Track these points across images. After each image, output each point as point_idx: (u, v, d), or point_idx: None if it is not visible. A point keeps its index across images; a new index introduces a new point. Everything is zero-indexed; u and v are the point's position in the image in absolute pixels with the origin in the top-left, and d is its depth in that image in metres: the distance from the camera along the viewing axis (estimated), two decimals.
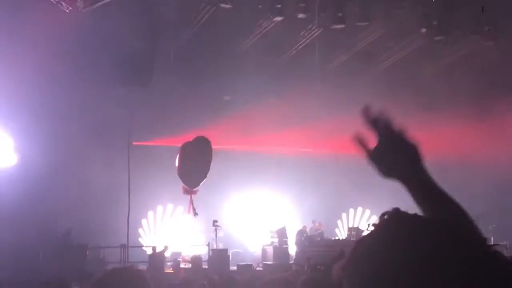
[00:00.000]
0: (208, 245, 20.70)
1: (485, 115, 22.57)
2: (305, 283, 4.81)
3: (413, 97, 22.84)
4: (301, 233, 22.22)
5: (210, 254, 20.17)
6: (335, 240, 23.65)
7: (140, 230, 22.95)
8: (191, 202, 18.47)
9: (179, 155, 18.47)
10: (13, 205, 18.36)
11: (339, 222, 26.18)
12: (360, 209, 26.11)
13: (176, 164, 18.43)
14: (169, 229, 23.15)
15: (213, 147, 19.13)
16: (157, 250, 18.87)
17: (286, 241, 21.15)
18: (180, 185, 18.46)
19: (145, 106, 21.02)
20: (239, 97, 22.43)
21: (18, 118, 19.28)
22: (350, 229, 23.60)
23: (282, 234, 21.05)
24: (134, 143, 21.68)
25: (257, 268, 19.51)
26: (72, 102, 19.40)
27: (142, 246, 21.99)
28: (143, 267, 16.36)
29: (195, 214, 18.46)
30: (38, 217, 18.96)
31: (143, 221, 23.13)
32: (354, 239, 20.07)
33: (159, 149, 21.86)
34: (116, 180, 20.25)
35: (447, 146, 23.75)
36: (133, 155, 21.40)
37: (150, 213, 23.44)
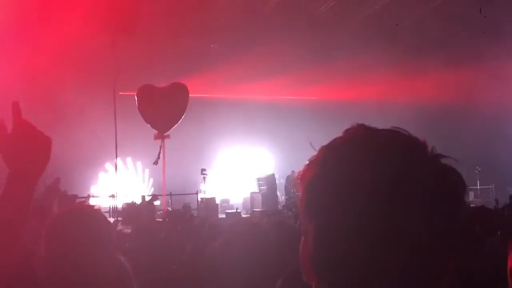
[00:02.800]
0: (197, 193, 20.81)
1: (475, 59, 22.52)
2: (275, 224, 4.87)
3: (402, 42, 22.66)
4: (289, 178, 22.35)
5: (199, 202, 20.30)
6: None
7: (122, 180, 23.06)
8: (162, 148, 18.62)
9: (138, 97, 18.51)
10: None
11: None
12: None
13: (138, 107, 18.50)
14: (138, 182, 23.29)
15: (199, 95, 19.05)
16: (146, 199, 18.95)
17: (275, 188, 21.27)
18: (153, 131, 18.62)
19: (131, 56, 20.77)
20: (225, 45, 22.24)
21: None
22: None
23: (270, 181, 21.15)
24: (120, 93, 21.49)
25: (245, 215, 19.68)
26: (57, 52, 19.15)
27: (130, 195, 22.06)
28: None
29: (156, 162, 18.64)
30: None
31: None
32: None
33: None
34: (103, 130, 20.19)
35: (437, 91, 23.76)
36: (119, 105, 21.26)
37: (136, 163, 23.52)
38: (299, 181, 1.28)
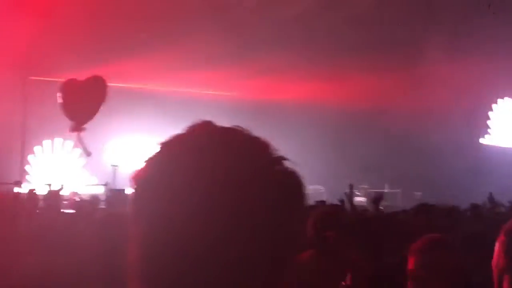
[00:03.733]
0: (106, 185, 20.41)
1: (390, 66, 23.00)
2: None
3: (327, 45, 22.76)
4: None
5: (108, 194, 19.90)
6: None
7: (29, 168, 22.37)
8: (80, 141, 18.37)
9: (63, 92, 18.23)
10: None
11: None
12: None
13: (60, 100, 18.20)
14: (65, 167, 22.71)
15: (118, 85, 18.77)
16: (52, 189, 18.42)
17: None
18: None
19: (45, 41, 20.12)
20: (158, 36, 21.70)
21: None
22: None
23: None
24: (31, 77, 20.84)
25: None
26: None
27: (38, 183, 21.40)
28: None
29: (88, 154, 18.41)
30: None
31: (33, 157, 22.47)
32: None
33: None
34: (11, 116, 19.55)
35: (352, 96, 24.15)
36: (30, 90, 20.65)
37: (40, 148, 22.89)
38: (131, 181, 1.18)
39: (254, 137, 1.19)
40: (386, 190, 23.72)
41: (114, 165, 20.04)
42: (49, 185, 18.78)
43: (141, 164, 1.19)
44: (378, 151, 23.22)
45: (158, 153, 1.18)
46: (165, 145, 1.19)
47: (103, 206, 18.54)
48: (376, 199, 7.38)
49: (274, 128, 22.75)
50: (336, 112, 23.79)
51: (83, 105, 18.11)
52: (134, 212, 1.16)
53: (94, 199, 17.43)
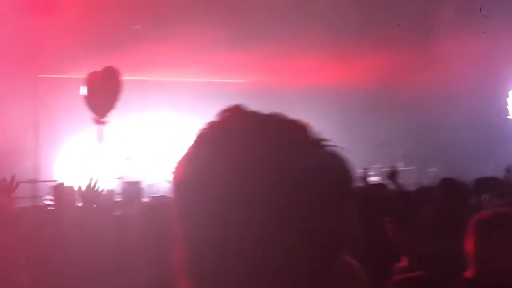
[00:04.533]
0: (120, 178, 20.44)
1: (414, 40, 22.80)
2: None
3: (335, 25, 22.47)
4: None
5: (123, 187, 19.92)
6: None
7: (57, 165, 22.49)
8: (101, 131, 18.57)
9: (87, 86, 18.36)
10: None
11: None
12: None
13: (84, 94, 18.34)
14: (83, 163, 22.78)
15: (129, 78, 18.88)
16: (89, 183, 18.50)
17: None
18: (90, 116, 18.41)
19: (53, 37, 20.10)
20: (150, 26, 21.66)
21: None
22: None
23: None
24: (40, 75, 20.85)
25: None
26: None
27: (55, 180, 21.45)
28: None
29: (102, 139, 18.68)
30: None
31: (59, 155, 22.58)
32: None
33: (69, 82, 21.22)
34: (24, 113, 19.60)
35: (367, 75, 23.96)
36: (41, 88, 20.70)
37: (63, 147, 22.96)
38: (171, 180, 1.14)
39: (294, 121, 1.17)
40: (401, 168, 23.68)
41: (128, 158, 20.10)
42: (90, 179, 18.87)
43: (179, 160, 1.14)
44: (390, 129, 23.12)
45: (196, 147, 1.13)
46: (202, 137, 1.13)
47: (119, 199, 18.65)
48: (392, 175, 7.30)
49: (284, 111, 22.60)
50: (346, 92, 23.68)
51: (103, 97, 18.24)
52: (178, 212, 1.12)
53: (110, 192, 17.48)
